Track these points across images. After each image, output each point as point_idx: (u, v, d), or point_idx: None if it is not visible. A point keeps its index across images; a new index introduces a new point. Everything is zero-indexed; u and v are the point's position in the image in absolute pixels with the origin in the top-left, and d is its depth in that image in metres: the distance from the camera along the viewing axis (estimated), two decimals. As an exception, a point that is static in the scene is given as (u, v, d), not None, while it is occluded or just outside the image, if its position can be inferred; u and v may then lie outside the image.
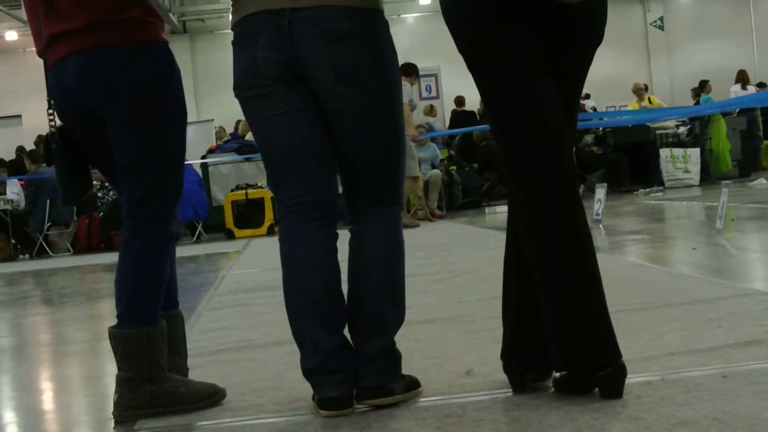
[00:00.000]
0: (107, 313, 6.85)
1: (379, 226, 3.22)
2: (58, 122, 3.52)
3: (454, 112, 20.67)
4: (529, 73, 3.07)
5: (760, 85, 21.55)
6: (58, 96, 3.47)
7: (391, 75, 3.19)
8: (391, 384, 3.15)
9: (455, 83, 19.08)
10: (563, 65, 3.17)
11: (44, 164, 15.37)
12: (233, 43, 3.23)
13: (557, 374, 3.14)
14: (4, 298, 9.61)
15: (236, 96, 3.27)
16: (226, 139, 19.44)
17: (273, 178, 3.27)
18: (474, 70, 3.15)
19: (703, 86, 20.31)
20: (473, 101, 19.17)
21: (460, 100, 20.22)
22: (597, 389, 2.99)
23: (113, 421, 3.36)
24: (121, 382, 3.36)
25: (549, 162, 3.04)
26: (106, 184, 15.96)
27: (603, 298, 3.03)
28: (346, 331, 3.20)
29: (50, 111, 3.52)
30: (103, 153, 3.46)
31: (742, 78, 19.95)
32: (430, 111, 20.01)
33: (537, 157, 3.05)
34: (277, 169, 3.22)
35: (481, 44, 3.09)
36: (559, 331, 3.02)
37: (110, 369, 4.24)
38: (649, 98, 18.62)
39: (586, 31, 3.16)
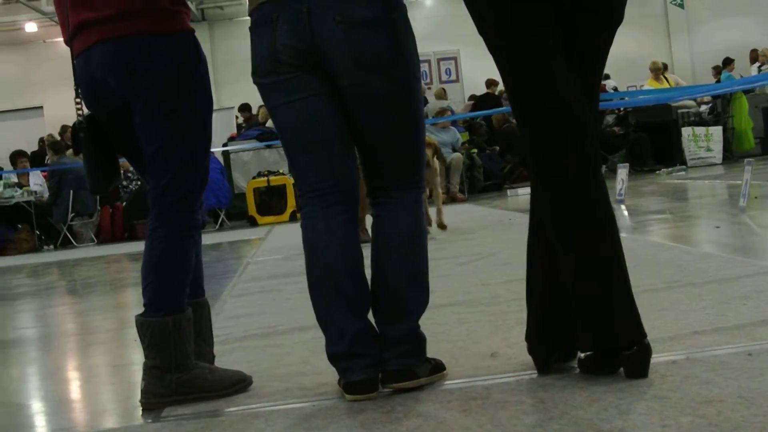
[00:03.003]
0: (132, 302, 6.89)
1: (401, 210, 3.23)
2: (86, 111, 3.54)
3: (477, 96, 20.53)
4: (548, 52, 3.07)
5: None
6: (84, 84, 3.49)
7: (411, 60, 3.19)
8: (416, 367, 3.16)
9: (475, 66, 19.06)
10: (584, 45, 3.16)
11: (68, 154, 15.46)
12: (251, 29, 3.23)
13: (582, 355, 3.15)
14: (29, 289, 9.67)
15: (255, 82, 3.28)
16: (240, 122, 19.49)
17: (293, 164, 3.28)
18: (493, 50, 3.15)
19: (726, 64, 20.18)
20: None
21: (491, 83, 20.00)
22: (622, 369, 3.00)
23: (141, 408, 3.38)
24: (148, 369, 3.39)
25: (570, 143, 3.04)
26: (129, 173, 16.02)
27: (627, 278, 3.03)
28: (369, 315, 3.22)
29: (77, 100, 3.54)
30: (130, 141, 3.48)
31: (756, 57, 19.79)
32: (443, 94, 19.91)
33: (557, 138, 3.05)
34: (297, 155, 3.23)
35: (500, 24, 3.09)
36: (584, 311, 3.02)
37: (136, 357, 4.28)
38: (666, 78, 18.49)
39: (606, 10, 3.16)
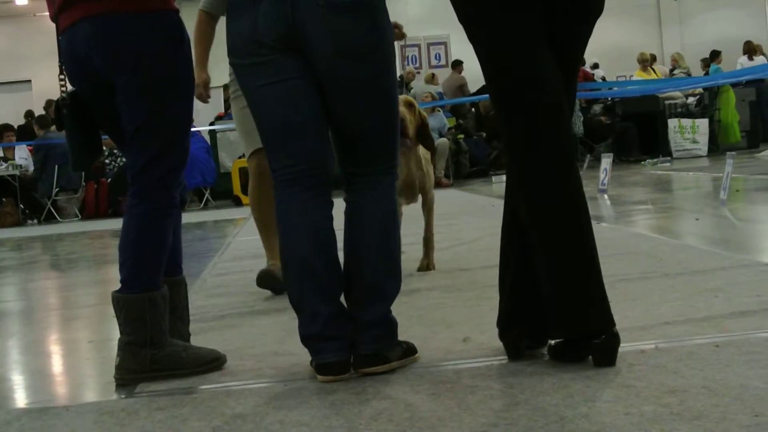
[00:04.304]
0: (114, 279, 6.86)
1: (375, 195, 3.26)
2: (70, 87, 3.56)
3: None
4: (527, 39, 3.09)
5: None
6: (69, 61, 3.51)
7: (388, 46, 3.21)
8: (387, 351, 3.20)
9: (465, 51, 19.04)
10: (563, 36, 3.18)
11: (53, 129, 15.43)
12: (229, 8, 3.22)
13: (552, 342, 3.19)
14: (12, 262, 9.69)
15: (231, 63, 3.29)
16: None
17: (268, 146, 3.29)
18: (472, 36, 3.17)
19: (714, 57, 20.22)
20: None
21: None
22: (591, 357, 3.04)
23: (115, 384, 3.41)
24: (123, 345, 3.42)
25: (546, 130, 3.07)
26: (115, 150, 16.00)
27: (598, 267, 3.06)
28: (342, 298, 3.25)
29: (61, 76, 3.55)
30: (113, 118, 3.50)
31: (749, 49, 19.86)
32: (432, 79, 19.88)
33: (533, 125, 3.08)
34: (273, 137, 3.25)
35: (480, 9, 3.11)
36: (554, 298, 3.06)
37: (115, 333, 4.27)
38: (654, 69, 18.54)
39: (587, 2, 3.18)
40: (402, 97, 4.86)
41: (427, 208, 5.75)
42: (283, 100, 3.17)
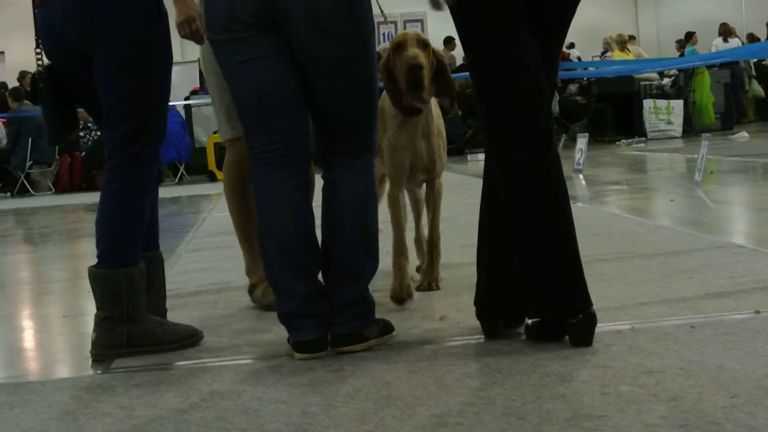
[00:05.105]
0: (87, 253, 6.86)
1: (353, 174, 3.25)
2: (46, 61, 3.53)
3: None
4: (515, 19, 3.09)
5: (750, 37, 21.47)
6: (45, 34, 3.48)
7: (366, 25, 3.20)
8: (364, 330, 3.21)
9: (442, 29, 18.96)
10: (552, 13, 3.19)
11: (27, 102, 15.29)
12: None
13: (529, 321, 3.20)
14: (-16, 236, 9.62)
15: (208, 38, 3.27)
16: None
17: (245, 123, 3.27)
18: (459, 18, 3.16)
19: (688, 38, 20.25)
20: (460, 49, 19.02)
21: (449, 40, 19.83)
22: (567, 337, 3.05)
23: (91, 359, 3.40)
24: (99, 321, 3.40)
25: (527, 111, 3.07)
26: (89, 123, 15.89)
27: (576, 247, 3.07)
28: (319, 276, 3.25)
29: (38, 50, 3.52)
30: (89, 93, 3.47)
31: (724, 31, 19.93)
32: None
33: (515, 106, 3.07)
34: (250, 114, 3.23)
35: None
36: (531, 277, 3.07)
37: (89, 308, 4.27)
38: (628, 50, 18.58)
39: None
40: (413, 35, 3.92)
41: (435, 194, 4.24)
42: (261, 77, 3.15)
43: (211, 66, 3.79)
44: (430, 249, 4.24)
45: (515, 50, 3.08)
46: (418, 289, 4.15)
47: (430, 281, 4.19)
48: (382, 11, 3.53)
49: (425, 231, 4.44)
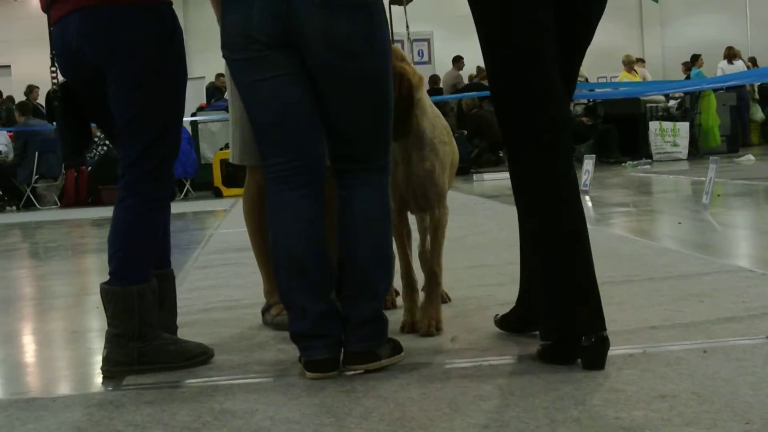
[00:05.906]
0: (93, 268, 6.88)
1: (368, 192, 3.25)
2: (61, 79, 3.54)
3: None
4: (546, 34, 3.11)
5: (752, 60, 21.54)
6: (60, 52, 3.49)
7: (383, 47, 3.21)
8: (378, 349, 3.20)
9: (448, 48, 19.05)
10: (578, 31, 3.24)
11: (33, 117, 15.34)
12: (225, 2, 3.21)
13: (540, 344, 3.19)
14: (-9, 249, 9.62)
15: (224, 57, 3.28)
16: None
17: (260, 142, 3.28)
18: (474, 5, 3.19)
19: (694, 60, 20.31)
20: (468, 66, 19.08)
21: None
22: (580, 360, 3.05)
23: (101, 376, 3.40)
24: (110, 338, 3.40)
25: (548, 133, 3.10)
26: (96, 138, 15.92)
27: (593, 270, 3.08)
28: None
29: (53, 68, 3.54)
30: (103, 110, 3.49)
31: (729, 54, 19.98)
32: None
33: (537, 127, 3.09)
34: (265, 134, 3.24)
35: (500, 5, 3.12)
36: (551, 299, 3.07)
37: (95, 324, 4.29)
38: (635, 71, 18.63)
39: (589, 3, 3.23)
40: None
41: (434, 226, 3.87)
42: (276, 97, 3.17)
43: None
44: (429, 284, 3.82)
45: (545, 65, 3.11)
46: (423, 334, 3.70)
47: (429, 324, 3.71)
48: (408, 30, 3.53)
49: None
